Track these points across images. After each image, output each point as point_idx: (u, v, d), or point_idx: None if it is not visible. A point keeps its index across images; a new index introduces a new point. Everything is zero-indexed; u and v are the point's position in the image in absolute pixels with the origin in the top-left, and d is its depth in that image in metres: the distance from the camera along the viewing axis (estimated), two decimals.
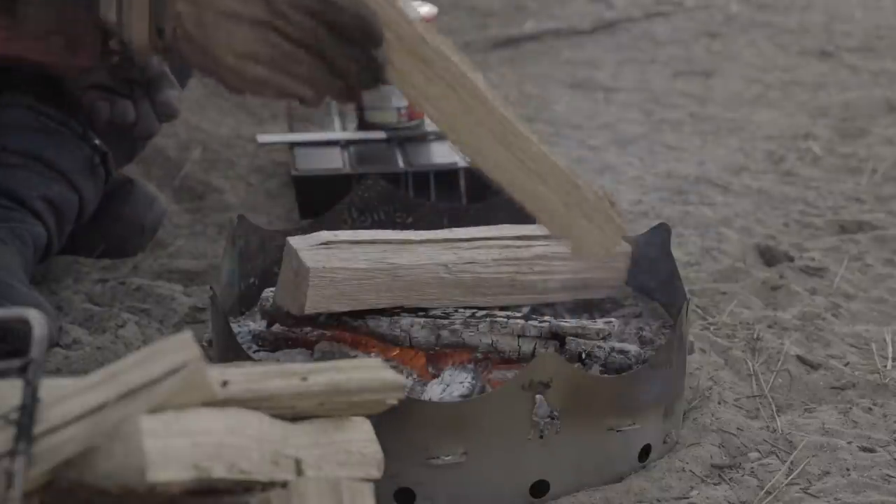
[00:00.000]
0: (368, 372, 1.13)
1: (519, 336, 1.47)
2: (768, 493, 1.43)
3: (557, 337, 1.47)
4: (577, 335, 1.47)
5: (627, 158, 2.39)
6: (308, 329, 1.51)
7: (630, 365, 1.47)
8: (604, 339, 1.47)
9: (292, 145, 2.08)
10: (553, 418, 1.37)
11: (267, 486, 1.05)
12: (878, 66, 2.85)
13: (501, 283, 1.54)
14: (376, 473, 1.13)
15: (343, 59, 1.28)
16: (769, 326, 1.78)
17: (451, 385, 1.42)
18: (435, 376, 1.46)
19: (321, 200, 1.88)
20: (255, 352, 1.51)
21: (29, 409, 0.98)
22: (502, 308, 1.52)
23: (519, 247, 1.57)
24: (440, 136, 2.07)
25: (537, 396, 1.36)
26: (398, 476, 1.35)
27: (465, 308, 1.51)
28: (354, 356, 1.46)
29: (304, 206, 2.02)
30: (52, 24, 1.28)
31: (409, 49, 1.31)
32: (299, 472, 1.07)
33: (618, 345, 1.50)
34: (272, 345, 1.52)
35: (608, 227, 1.41)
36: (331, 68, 1.29)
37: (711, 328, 1.77)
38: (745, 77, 2.81)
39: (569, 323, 1.47)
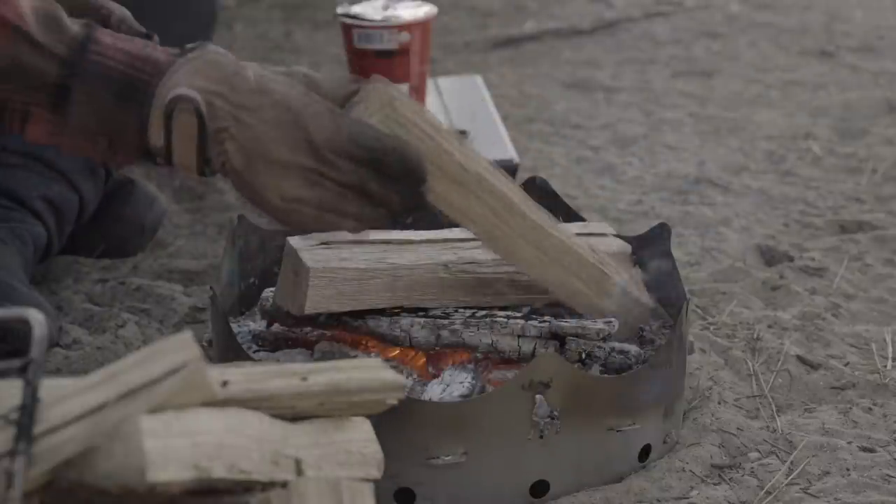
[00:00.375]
0: (368, 372, 1.13)
1: (519, 336, 1.47)
2: (768, 493, 1.43)
3: (557, 337, 1.47)
4: (577, 335, 1.47)
5: (627, 158, 2.39)
6: (308, 329, 1.51)
7: (630, 365, 1.47)
8: (604, 339, 1.47)
9: None
10: (553, 418, 1.37)
11: (267, 486, 1.05)
12: (878, 66, 2.85)
13: (501, 283, 1.54)
14: (376, 473, 1.13)
15: (387, 194, 1.32)
16: (769, 326, 1.78)
17: (451, 385, 1.42)
18: (435, 376, 1.46)
19: None
20: (255, 352, 1.51)
21: (29, 409, 0.98)
22: (502, 308, 1.52)
23: None
24: None
25: (537, 396, 1.36)
26: (398, 476, 1.35)
27: (465, 308, 1.50)
28: (354, 356, 1.46)
29: None
30: (99, 127, 1.30)
31: (449, 177, 1.38)
32: (299, 472, 1.07)
33: (618, 345, 1.50)
34: (272, 345, 1.52)
35: (637, 309, 1.53)
36: (374, 202, 1.32)
37: (711, 328, 1.77)
38: (745, 77, 2.81)
39: (569, 323, 1.47)
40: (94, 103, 1.28)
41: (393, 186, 1.31)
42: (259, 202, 1.31)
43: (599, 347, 1.48)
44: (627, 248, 1.61)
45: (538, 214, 1.46)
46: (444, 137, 1.38)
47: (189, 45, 1.31)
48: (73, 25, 1.29)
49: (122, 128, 1.29)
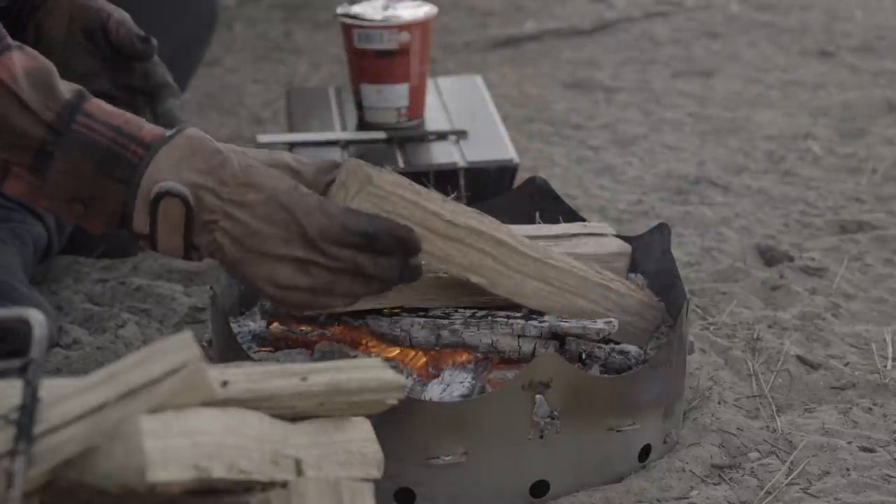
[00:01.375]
0: (368, 372, 1.13)
1: (519, 336, 1.47)
2: (768, 493, 1.43)
3: (557, 337, 1.47)
4: (577, 336, 1.47)
5: (627, 158, 2.39)
6: (308, 329, 1.51)
7: (630, 365, 1.47)
8: (603, 340, 1.47)
9: (292, 145, 2.08)
10: (553, 418, 1.37)
11: (267, 486, 1.05)
12: (878, 66, 2.85)
13: None
14: (376, 473, 1.14)
15: (381, 271, 1.34)
16: (769, 326, 1.78)
17: (451, 385, 1.42)
18: (435, 376, 1.46)
19: None
20: (255, 352, 1.51)
21: (29, 409, 0.98)
22: (502, 308, 1.52)
23: None
24: (440, 136, 2.07)
25: (537, 396, 1.36)
26: (398, 476, 1.35)
27: (465, 308, 1.50)
28: (354, 356, 1.46)
29: None
30: (77, 193, 1.30)
31: (441, 237, 1.42)
32: (299, 472, 1.07)
33: (618, 345, 1.50)
34: (272, 345, 1.52)
35: (647, 312, 1.55)
36: (366, 278, 1.34)
37: (711, 328, 1.77)
38: (745, 77, 2.81)
39: (568, 323, 1.47)
40: (75, 171, 1.29)
41: (386, 262, 1.34)
42: (253, 287, 1.34)
43: (599, 347, 1.48)
44: (627, 248, 1.61)
45: (532, 247, 1.49)
46: (427, 200, 1.42)
47: (169, 133, 1.31)
48: (65, 92, 1.30)
49: (100, 196, 1.30)
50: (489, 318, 1.48)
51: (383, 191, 1.39)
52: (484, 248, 1.45)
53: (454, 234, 1.43)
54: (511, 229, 1.49)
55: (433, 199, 1.43)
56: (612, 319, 1.49)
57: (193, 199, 1.29)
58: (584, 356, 1.48)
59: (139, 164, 1.29)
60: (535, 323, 1.47)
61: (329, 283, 1.33)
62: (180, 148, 1.30)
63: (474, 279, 1.46)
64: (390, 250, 1.34)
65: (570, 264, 1.51)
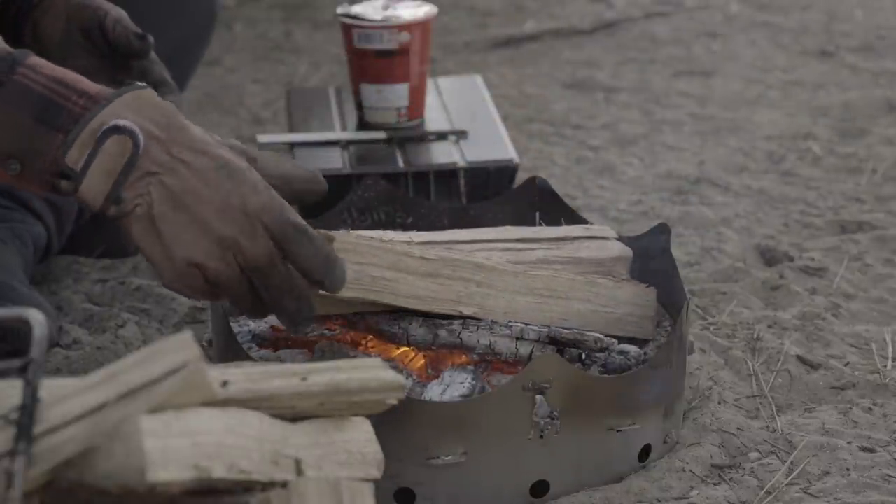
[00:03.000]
0: (368, 372, 1.13)
1: (517, 339, 1.47)
2: (768, 493, 1.43)
3: (555, 343, 1.47)
4: (574, 344, 1.46)
5: (627, 158, 2.39)
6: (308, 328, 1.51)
7: (630, 365, 1.47)
8: (602, 350, 1.47)
9: (292, 145, 2.08)
10: (553, 418, 1.37)
11: (267, 486, 1.05)
12: (878, 66, 2.85)
13: None
14: (376, 473, 1.14)
15: (279, 296, 1.31)
16: (769, 326, 1.77)
17: (451, 386, 1.42)
18: (435, 377, 1.46)
19: (321, 200, 1.87)
20: (255, 352, 1.51)
21: (29, 409, 0.98)
22: None
23: (521, 250, 1.57)
24: (440, 136, 2.07)
25: (537, 396, 1.36)
26: (398, 476, 1.35)
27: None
28: (354, 356, 1.46)
29: (304, 206, 2.01)
30: (14, 148, 1.26)
31: (420, 274, 1.44)
32: (299, 472, 1.07)
33: (618, 345, 1.50)
34: (272, 345, 1.53)
35: (640, 298, 1.54)
36: (262, 299, 1.31)
37: (711, 328, 1.77)
38: (745, 77, 2.80)
39: (568, 330, 1.47)
40: (11, 122, 1.25)
41: (289, 286, 1.30)
42: (158, 255, 1.28)
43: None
44: (629, 252, 1.61)
45: (507, 263, 1.49)
46: (392, 243, 1.43)
47: (125, 87, 1.28)
48: (8, 48, 1.27)
49: (38, 151, 1.26)
50: (489, 319, 1.48)
51: (348, 244, 1.40)
52: (465, 276, 1.46)
53: (431, 269, 1.44)
54: (478, 256, 1.49)
55: (398, 242, 1.45)
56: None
57: (143, 145, 1.25)
58: (583, 356, 1.47)
59: (85, 113, 1.25)
60: (534, 327, 1.47)
61: (230, 281, 1.28)
62: (141, 98, 1.27)
63: (467, 311, 1.46)
64: (304, 267, 1.30)
65: (550, 270, 1.51)
